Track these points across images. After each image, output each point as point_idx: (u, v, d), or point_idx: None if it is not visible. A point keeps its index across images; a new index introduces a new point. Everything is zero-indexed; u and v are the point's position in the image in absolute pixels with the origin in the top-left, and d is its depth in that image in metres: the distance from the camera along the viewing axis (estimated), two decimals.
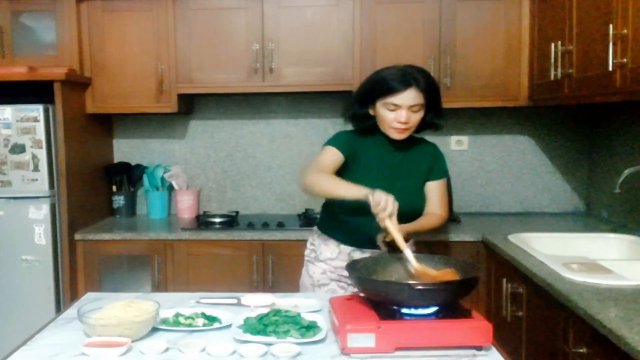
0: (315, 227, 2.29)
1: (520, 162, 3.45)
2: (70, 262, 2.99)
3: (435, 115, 2.07)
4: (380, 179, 2.02)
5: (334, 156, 2.03)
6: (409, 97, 1.96)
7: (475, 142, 3.45)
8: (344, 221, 2.12)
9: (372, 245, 1.99)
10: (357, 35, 3.08)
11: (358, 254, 2.10)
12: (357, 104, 2.08)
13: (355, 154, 2.07)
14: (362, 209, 1.83)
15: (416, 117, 2.00)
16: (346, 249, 2.14)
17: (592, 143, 3.34)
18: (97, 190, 3.35)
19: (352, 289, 2.11)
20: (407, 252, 1.69)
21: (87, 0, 3.15)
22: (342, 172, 2.05)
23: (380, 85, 2.00)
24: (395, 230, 1.72)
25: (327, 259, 2.17)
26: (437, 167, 2.18)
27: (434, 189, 2.16)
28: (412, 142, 2.13)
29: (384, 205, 1.71)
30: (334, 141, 2.09)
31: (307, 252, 2.27)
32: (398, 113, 1.97)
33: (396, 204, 1.73)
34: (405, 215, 1.90)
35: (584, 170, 3.40)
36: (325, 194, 1.99)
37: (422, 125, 2.08)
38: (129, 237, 3.00)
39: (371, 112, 2.06)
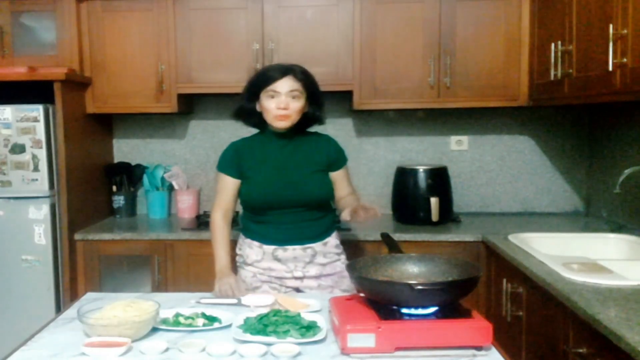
0: (240, 232, 2.33)
1: (520, 162, 3.45)
2: (70, 262, 2.98)
3: (317, 107, 2.20)
4: (270, 173, 2.17)
5: (228, 184, 2.22)
6: (286, 84, 2.09)
7: (475, 142, 3.45)
8: (260, 221, 2.20)
9: (292, 241, 2.15)
10: (357, 35, 3.08)
11: (281, 252, 2.17)
12: (245, 99, 2.20)
13: (244, 164, 2.21)
14: (269, 206, 2.14)
15: (296, 104, 2.11)
16: (269, 248, 2.18)
17: (592, 143, 3.34)
18: (97, 190, 3.35)
19: (284, 289, 2.17)
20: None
21: (87, 0, 3.15)
22: (242, 182, 2.22)
23: (261, 77, 2.15)
24: (287, 303, 1.82)
25: (254, 261, 2.21)
26: (337, 157, 2.28)
27: (341, 177, 2.28)
28: (302, 135, 2.23)
29: (227, 294, 2.02)
30: (222, 166, 2.25)
31: (237, 257, 2.31)
32: (278, 100, 2.09)
33: (241, 287, 2.07)
34: (299, 203, 2.13)
35: (584, 171, 3.40)
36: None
37: (306, 119, 2.20)
38: (129, 237, 3.00)
39: (258, 108, 2.16)
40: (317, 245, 2.18)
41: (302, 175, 2.17)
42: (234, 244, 2.31)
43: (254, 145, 2.24)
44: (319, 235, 2.20)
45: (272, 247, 2.17)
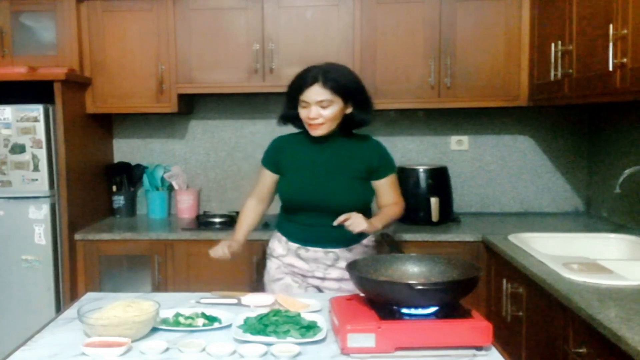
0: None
1: (520, 162, 3.45)
2: (70, 262, 2.98)
3: (361, 111, 2.12)
4: (303, 174, 2.16)
5: (267, 180, 2.27)
6: (314, 92, 2.04)
7: (475, 142, 3.45)
8: (289, 218, 2.23)
9: (315, 244, 2.16)
10: (357, 35, 3.08)
11: (303, 252, 2.20)
12: (286, 105, 2.18)
13: (282, 162, 2.22)
14: (297, 206, 2.14)
15: (328, 113, 2.05)
16: (293, 246, 2.22)
17: (592, 143, 3.34)
18: (97, 190, 3.35)
19: (305, 285, 2.20)
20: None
21: (87, 0, 3.15)
22: (280, 177, 2.25)
23: (293, 84, 2.12)
24: (287, 303, 1.82)
25: (279, 255, 2.26)
26: (382, 164, 2.20)
27: (383, 186, 2.22)
28: (345, 137, 2.18)
29: (217, 253, 2.18)
30: (264, 160, 2.29)
31: (267, 248, 2.37)
32: (309, 110, 2.06)
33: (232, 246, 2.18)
34: (335, 210, 2.05)
35: (584, 170, 3.40)
36: None
37: (350, 122, 2.14)
38: (129, 237, 3.00)
39: (299, 111, 2.13)
40: (340, 251, 2.18)
41: (335, 181, 2.14)
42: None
43: (296, 144, 2.22)
44: (345, 241, 2.17)
45: (296, 245, 2.21)
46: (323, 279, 2.20)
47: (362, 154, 2.18)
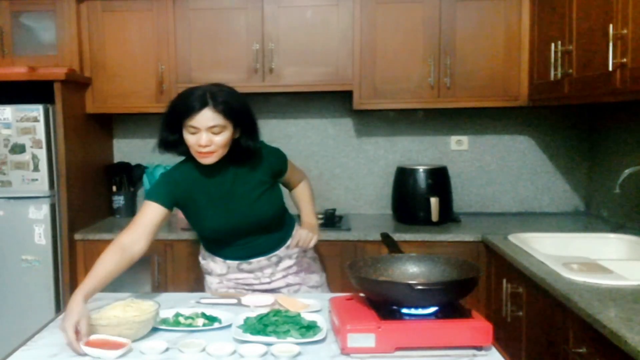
0: (201, 243, 2.23)
1: (520, 162, 3.45)
2: (70, 262, 2.98)
3: (248, 137, 1.93)
4: (218, 205, 2.00)
5: (151, 214, 1.90)
6: (205, 117, 1.82)
7: (475, 142, 3.45)
8: (221, 247, 2.12)
9: (255, 256, 2.09)
10: (357, 35, 3.08)
11: (246, 265, 2.11)
12: (166, 129, 1.92)
13: (185, 194, 1.98)
14: (223, 236, 2.05)
15: (219, 139, 1.85)
16: (233, 263, 2.12)
17: (592, 143, 3.34)
18: (97, 190, 3.35)
19: (250, 293, 2.11)
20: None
21: (87, 0, 3.15)
22: (184, 212, 2.05)
23: (179, 107, 1.87)
24: (287, 303, 1.81)
25: (219, 274, 2.16)
26: (280, 163, 2.14)
27: (287, 176, 2.21)
28: (238, 157, 1.98)
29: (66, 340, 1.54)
30: (153, 194, 1.95)
31: (200, 265, 2.25)
32: (198, 136, 1.84)
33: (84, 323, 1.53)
34: (253, 228, 2.03)
35: (584, 170, 3.40)
36: None
37: (239, 149, 1.94)
38: None
39: (184, 137, 1.90)
40: (280, 251, 2.13)
41: (249, 201, 2.02)
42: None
43: (193, 175, 1.99)
44: (281, 242, 2.14)
45: (236, 262, 2.11)
46: (270, 282, 2.15)
47: (262, 163, 2.05)
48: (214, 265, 2.16)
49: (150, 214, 1.91)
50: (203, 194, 2.00)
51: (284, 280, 2.16)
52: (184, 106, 1.85)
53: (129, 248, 1.85)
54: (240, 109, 1.90)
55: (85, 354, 1.49)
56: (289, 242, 2.15)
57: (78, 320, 1.52)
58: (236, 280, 2.15)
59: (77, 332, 1.51)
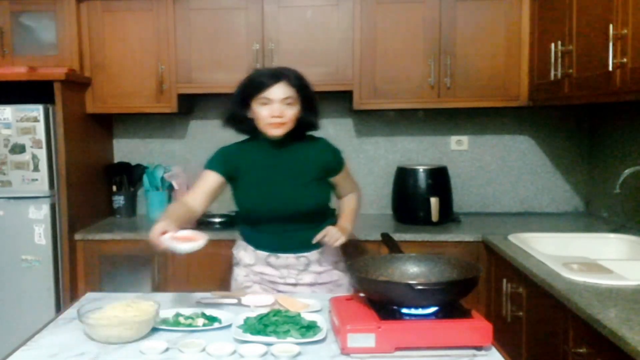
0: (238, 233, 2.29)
1: (520, 162, 3.45)
2: (70, 262, 2.98)
3: (311, 113, 2.10)
4: (261, 183, 2.10)
5: (208, 181, 2.09)
6: (280, 90, 2.00)
7: (475, 142, 3.45)
8: (253, 227, 2.16)
9: (285, 250, 2.11)
10: (357, 35, 3.08)
11: (273, 259, 2.13)
12: (235, 106, 2.09)
13: (237, 167, 2.11)
14: (261, 215, 2.08)
15: (290, 111, 2.02)
16: (262, 254, 2.14)
17: (592, 143, 3.34)
18: (97, 190, 3.35)
19: (275, 292, 2.12)
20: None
21: (87, 0, 3.15)
22: (233, 187, 2.14)
23: (252, 83, 2.05)
24: (287, 303, 1.83)
25: (247, 264, 2.18)
26: (337, 161, 2.20)
27: (340, 180, 2.22)
28: (296, 141, 2.12)
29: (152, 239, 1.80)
30: (210, 163, 2.12)
31: (232, 257, 2.28)
32: (271, 107, 2.00)
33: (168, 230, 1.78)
34: (292, 214, 2.07)
35: (584, 170, 3.40)
36: None
37: (300, 125, 2.09)
38: (129, 237, 3.00)
39: (249, 115, 2.07)
40: (311, 255, 2.13)
41: (294, 186, 2.09)
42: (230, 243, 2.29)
43: (247, 152, 2.14)
44: (315, 244, 2.10)
45: (265, 253, 2.14)
46: (295, 284, 2.14)
47: (317, 155, 2.14)
48: (243, 254, 2.19)
49: (208, 181, 2.09)
50: (254, 169, 2.11)
51: (310, 288, 2.15)
52: (256, 82, 2.03)
53: (192, 206, 2.06)
54: (309, 87, 2.08)
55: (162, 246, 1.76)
56: (321, 249, 2.14)
57: (165, 225, 1.77)
58: (262, 275, 2.15)
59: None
